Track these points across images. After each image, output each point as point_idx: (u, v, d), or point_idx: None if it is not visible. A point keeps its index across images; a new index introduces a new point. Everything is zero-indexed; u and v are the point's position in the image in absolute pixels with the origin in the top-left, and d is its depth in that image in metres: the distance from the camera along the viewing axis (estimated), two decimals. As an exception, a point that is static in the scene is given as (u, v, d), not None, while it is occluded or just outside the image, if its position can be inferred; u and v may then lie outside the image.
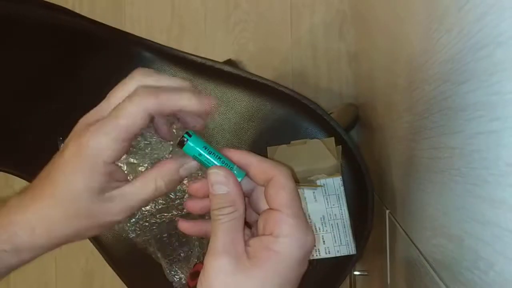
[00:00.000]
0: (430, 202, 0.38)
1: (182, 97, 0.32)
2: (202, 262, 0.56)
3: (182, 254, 0.63)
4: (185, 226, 0.35)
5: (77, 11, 0.62)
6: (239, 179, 0.33)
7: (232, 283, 0.29)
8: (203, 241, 0.63)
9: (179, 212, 0.63)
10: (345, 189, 0.55)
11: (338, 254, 0.57)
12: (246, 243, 0.31)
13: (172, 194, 0.62)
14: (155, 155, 0.58)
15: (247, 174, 0.33)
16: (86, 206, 0.32)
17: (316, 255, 0.57)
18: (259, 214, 0.34)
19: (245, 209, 0.32)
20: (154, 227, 0.63)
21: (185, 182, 0.58)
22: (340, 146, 0.58)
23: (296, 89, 0.61)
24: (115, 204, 0.33)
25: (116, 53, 0.63)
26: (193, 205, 0.35)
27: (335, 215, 0.56)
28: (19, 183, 0.62)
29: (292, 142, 0.59)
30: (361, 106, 0.99)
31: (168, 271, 0.63)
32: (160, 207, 0.63)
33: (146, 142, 0.61)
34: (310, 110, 0.60)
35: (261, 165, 0.33)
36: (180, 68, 0.63)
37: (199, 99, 0.32)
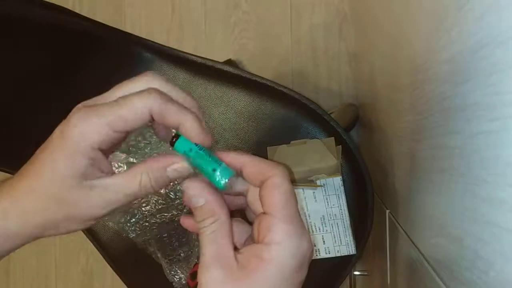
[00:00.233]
0: (430, 202, 0.38)
1: (187, 118, 0.31)
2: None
3: (182, 254, 0.63)
4: (187, 222, 0.34)
5: (77, 11, 0.62)
6: (226, 179, 0.31)
7: None
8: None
9: (179, 212, 0.63)
10: (345, 189, 0.55)
11: (338, 254, 0.57)
12: (239, 250, 0.30)
13: (172, 194, 0.63)
14: (155, 155, 0.58)
15: (241, 175, 0.32)
16: (63, 190, 0.30)
17: (316, 255, 0.57)
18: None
19: (229, 214, 0.31)
20: (154, 227, 0.63)
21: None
22: (340, 146, 0.58)
23: (296, 89, 0.61)
24: (94, 195, 0.30)
25: (116, 53, 0.63)
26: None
27: (335, 215, 0.56)
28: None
29: (292, 142, 0.59)
30: (361, 106, 0.99)
31: (168, 271, 0.63)
32: (160, 207, 0.63)
33: (146, 142, 0.61)
34: (310, 110, 0.60)
35: (255, 165, 0.32)
36: (180, 68, 0.63)
37: (200, 129, 0.31)
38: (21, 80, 0.62)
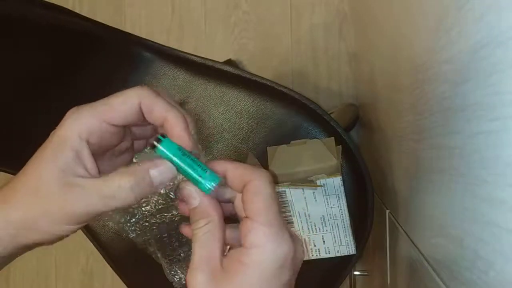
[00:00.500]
0: (430, 202, 0.38)
1: (173, 114, 0.31)
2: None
3: (182, 254, 0.63)
4: (187, 230, 0.34)
5: (77, 11, 0.62)
6: (214, 184, 0.31)
7: None
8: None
9: (179, 212, 0.63)
10: (345, 189, 0.55)
11: (338, 254, 0.57)
12: (225, 254, 0.31)
13: (172, 194, 0.63)
14: (155, 155, 0.58)
15: (226, 181, 0.32)
16: (41, 183, 0.29)
17: (316, 255, 0.57)
18: None
19: (222, 217, 0.32)
20: (154, 227, 0.63)
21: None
22: (340, 146, 0.58)
23: (296, 89, 0.61)
24: (72, 192, 0.30)
25: (116, 53, 0.63)
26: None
27: (335, 215, 0.56)
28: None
29: (292, 142, 0.59)
30: (361, 106, 0.99)
31: (168, 271, 0.63)
32: (160, 207, 0.63)
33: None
34: (310, 110, 0.60)
35: (236, 170, 0.31)
36: (180, 68, 0.63)
37: (184, 126, 0.31)
38: (21, 80, 0.62)
